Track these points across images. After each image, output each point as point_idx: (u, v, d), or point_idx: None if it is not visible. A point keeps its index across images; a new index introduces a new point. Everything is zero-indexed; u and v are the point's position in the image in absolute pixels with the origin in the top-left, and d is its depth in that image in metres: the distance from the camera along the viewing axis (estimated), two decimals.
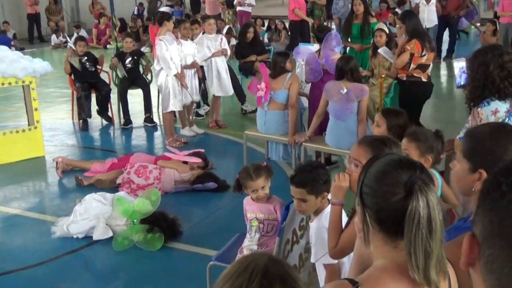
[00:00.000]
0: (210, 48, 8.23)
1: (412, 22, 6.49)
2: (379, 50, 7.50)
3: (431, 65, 6.61)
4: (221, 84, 8.32)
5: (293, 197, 3.13)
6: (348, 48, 9.18)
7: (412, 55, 6.34)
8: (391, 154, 1.65)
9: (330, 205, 2.80)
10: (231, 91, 8.53)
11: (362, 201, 1.58)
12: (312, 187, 3.02)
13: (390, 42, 7.68)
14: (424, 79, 6.52)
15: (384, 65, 7.53)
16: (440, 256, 1.47)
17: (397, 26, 9.70)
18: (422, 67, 6.47)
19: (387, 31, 7.71)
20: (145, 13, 18.93)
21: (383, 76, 7.30)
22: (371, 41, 7.96)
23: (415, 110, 6.56)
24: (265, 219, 3.82)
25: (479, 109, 3.52)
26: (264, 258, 1.38)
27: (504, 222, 0.89)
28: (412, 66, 6.42)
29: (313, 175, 3.06)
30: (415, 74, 6.47)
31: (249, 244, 3.85)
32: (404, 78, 6.57)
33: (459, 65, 5.23)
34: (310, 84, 6.87)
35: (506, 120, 3.44)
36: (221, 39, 8.43)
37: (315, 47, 7.54)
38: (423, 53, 6.34)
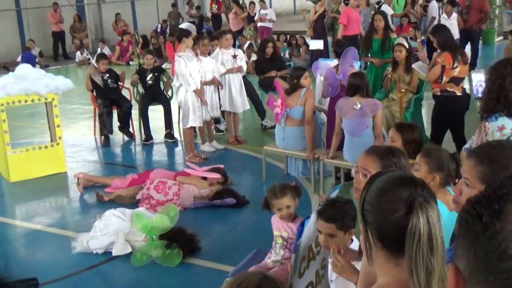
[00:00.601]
0: (225, 63, 8.24)
1: (443, 35, 6.40)
2: (414, 66, 7.47)
3: (465, 79, 6.45)
4: (231, 100, 8.30)
5: (320, 232, 3.11)
6: (368, 63, 9.17)
7: (443, 67, 6.24)
8: (392, 171, 1.64)
9: (353, 242, 2.82)
10: (241, 109, 8.47)
11: (364, 219, 1.57)
12: (342, 223, 3.01)
13: (410, 57, 7.64)
14: (458, 93, 6.33)
15: (404, 80, 7.49)
16: (443, 273, 1.45)
17: (417, 40, 9.70)
18: (456, 81, 6.29)
19: (406, 45, 7.67)
20: (168, 30, 19.11)
21: (402, 90, 7.25)
22: (391, 56, 7.92)
23: (454, 125, 6.49)
24: (289, 237, 3.86)
25: (486, 123, 3.45)
26: (257, 276, 1.38)
27: (489, 256, 0.86)
28: (445, 79, 6.26)
29: (343, 211, 3.05)
30: (448, 89, 6.30)
31: (275, 258, 3.91)
32: (438, 93, 6.45)
33: (477, 77, 5.16)
34: (329, 99, 6.86)
35: (488, 142, 3.30)
36: (234, 55, 8.36)
37: (334, 62, 7.54)
38: (455, 65, 6.19)
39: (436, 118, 6.57)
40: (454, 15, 11.93)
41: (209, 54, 8.22)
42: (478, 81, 5.04)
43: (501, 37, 17.00)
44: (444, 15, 11.99)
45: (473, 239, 0.89)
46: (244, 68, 8.52)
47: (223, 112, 8.88)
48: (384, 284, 1.54)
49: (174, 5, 20.77)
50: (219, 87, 8.16)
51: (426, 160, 3.21)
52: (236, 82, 8.34)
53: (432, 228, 1.43)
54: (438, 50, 6.46)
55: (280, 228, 3.89)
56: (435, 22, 13.83)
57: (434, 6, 14.05)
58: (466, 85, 7.08)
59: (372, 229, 1.54)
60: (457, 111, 6.44)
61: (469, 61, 6.39)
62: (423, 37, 11.97)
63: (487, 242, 0.86)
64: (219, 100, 8.28)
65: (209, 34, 11.99)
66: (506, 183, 0.92)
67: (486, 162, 1.98)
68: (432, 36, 6.56)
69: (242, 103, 8.43)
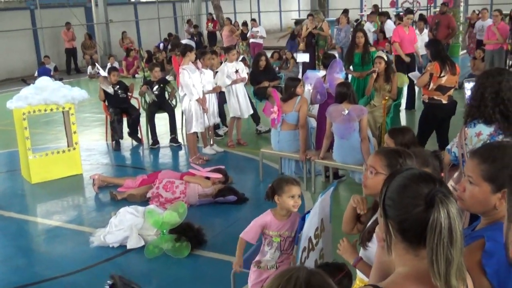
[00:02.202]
0: (230, 76, 8.19)
1: (435, 47, 6.40)
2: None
3: (452, 89, 6.40)
4: (238, 107, 8.30)
5: None
6: (350, 75, 9.15)
7: (431, 75, 6.23)
8: (411, 169, 1.59)
9: None
10: (246, 114, 8.47)
11: (385, 213, 1.52)
12: None
13: (389, 68, 7.63)
14: (444, 101, 6.29)
15: (385, 88, 7.47)
16: (460, 264, 1.41)
17: (393, 54, 9.71)
18: (442, 89, 6.24)
19: (385, 58, 7.66)
20: (169, 46, 19.02)
21: (386, 98, 7.24)
22: (371, 68, 7.91)
23: (439, 129, 6.48)
24: (288, 236, 3.60)
25: (466, 128, 3.39)
26: (304, 271, 1.32)
27: None
28: (432, 86, 6.22)
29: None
30: (435, 97, 6.28)
31: (269, 260, 3.64)
32: (426, 100, 6.41)
33: (470, 85, 5.12)
34: (318, 106, 6.83)
35: (488, 142, 3.22)
36: (237, 70, 8.27)
37: (321, 73, 7.51)
38: (442, 74, 6.17)
39: (422, 122, 6.57)
40: (425, 31, 11.96)
41: (211, 68, 8.19)
42: (469, 89, 4.99)
43: (465, 51, 17.11)
44: (417, 31, 12.01)
45: None
46: (246, 77, 8.48)
47: (221, 119, 8.86)
48: (404, 273, 1.50)
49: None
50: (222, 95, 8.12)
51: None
52: (240, 90, 8.31)
53: (452, 222, 1.39)
54: (431, 61, 6.45)
55: (280, 228, 3.61)
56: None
57: (389, 27, 13.89)
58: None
59: (393, 222, 1.50)
60: (441, 117, 6.42)
61: (457, 73, 6.34)
62: None
63: None
64: (218, 108, 8.24)
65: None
66: None
67: (489, 161, 1.93)
68: (427, 48, 6.57)
69: (246, 109, 8.41)
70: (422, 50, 11.07)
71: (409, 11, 11.18)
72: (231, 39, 16.86)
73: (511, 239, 0.88)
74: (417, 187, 1.47)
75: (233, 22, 18.67)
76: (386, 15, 14.79)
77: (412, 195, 1.46)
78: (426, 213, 1.42)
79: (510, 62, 12.05)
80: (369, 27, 13.90)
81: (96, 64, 16.70)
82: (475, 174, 1.94)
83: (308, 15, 14.40)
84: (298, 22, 20.36)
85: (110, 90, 8.62)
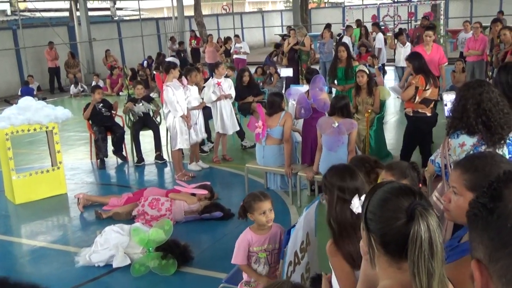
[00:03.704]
0: (216, 92, 8.21)
1: (418, 61, 6.49)
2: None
3: (434, 101, 6.50)
4: (223, 123, 8.31)
5: None
6: (333, 89, 9.23)
7: (417, 88, 6.31)
8: (392, 182, 1.61)
9: None
10: (231, 131, 8.47)
11: (367, 227, 1.54)
12: None
13: (371, 81, 7.71)
14: (428, 114, 6.41)
15: (367, 102, 7.55)
16: (442, 275, 1.42)
17: (375, 67, 9.81)
18: (426, 102, 6.35)
19: (367, 72, 7.74)
20: (153, 64, 19.04)
21: (369, 111, 7.31)
22: (354, 81, 7.98)
23: (423, 141, 6.55)
24: (273, 249, 3.60)
25: (449, 139, 3.42)
26: (288, 284, 1.33)
27: (502, 233, 0.88)
28: (418, 99, 6.31)
29: None
30: (419, 110, 6.37)
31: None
32: (411, 114, 6.50)
33: (448, 97, 5.18)
34: (302, 120, 6.87)
35: (471, 153, 3.25)
36: (218, 82, 8.27)
37: (304, 87, 7.57)
38: (427, 88, 6.28)
39: (408, 135, 6.63)
40: (408, 44, 12.15)
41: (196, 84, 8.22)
42: (449, 101, 5.05)
43: (446, 63, 17.31)
44: (400, 44, 12.18)
45: (484, 225, 0.92)
46: (233, 95, 8.47)
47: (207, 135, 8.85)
48: (388, 286, 1.51)
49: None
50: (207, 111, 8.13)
51: (391, 173, 3.23)
52: (227, 107, 8.32)
53: (432, 235, 1.40)
54: (413, 74, 6.52)
55: (262, 242, 3.61)
56: (382, 52, 14.12)
57: (380, 38, 14.29)
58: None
59: (375, 236, 1.51)
60: (426, 129, 6.50)
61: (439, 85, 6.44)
62: (380, 64, 12.14)
63: (496, 222, 0.89)
64: (204, 124, 8.25)
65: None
66: (495, 180, 0.97)
67: (472, 171, 1.97)
68: (408, 62, 6.63)
69: (232, 125, 8.42)
70: (404, 63, 11.26)
71: (428, 27, 9.96)
72: (213, 56, 16.92)
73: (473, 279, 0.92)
74: (397, 201, 1.48)
75: (216, 38, 18.77)
76: (378, 25, 15.02)
77: (392, 208, 1.48)
78: (407, 226, 1.43)
79: (490, 73, 12.24)
80: (347, 41, 14.10)
81: (81, 85, 16.74)
82: (459, 185, 1.97)
83: (290, 30, 14.55)
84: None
85: (96, 107, 8.59)
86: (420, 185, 3.41)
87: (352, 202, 2.57)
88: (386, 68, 14.79)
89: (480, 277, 0.92)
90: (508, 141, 3.28)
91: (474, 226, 0.94)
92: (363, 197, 1.83)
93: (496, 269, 0.88)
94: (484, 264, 0.91)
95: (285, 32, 18.57)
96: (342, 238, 2.68)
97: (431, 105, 6.40)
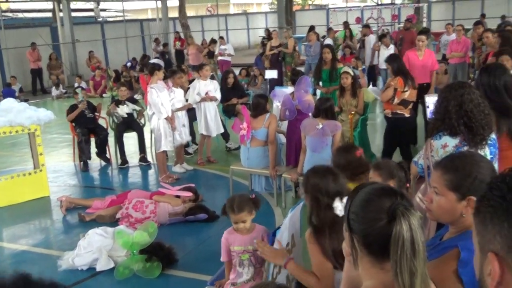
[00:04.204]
0: (201, 93, 8.17)
1: (397, 63, 6.55)
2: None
3: (412, 103, 6.55)
4: (206, 125, 8.27)
5: None
6: (318, 90, 9.26)
7: (395, 90, 6.36)
8: (374, 183, 1.62)
9: None
10: (215, 133, 8.42)
11: (349, 227, 1.54)
12: None
13: (355, 83, 7.74)
14: (406, 115, 6.48)
15: (351, 103, 7.58)
16: (424, 274, 1.43)
17: (359, 69, 9.87)
18: (405, 103, 6.41)
19: (352, 73, 7.77)
20: (137, 66, 18.94)
21: (353, 113, 7.34)
22: (339, 83, 8.01)
23: (403, 142, 6.60)
24: (256, 249, 3.54)
25: (432, 140, 3.43)
26: (272, 286, 1.33)
27: None
28: (396, 100, 6.37)
29: None
30: (398, 111, 6.43)
31: (246, 277, 3.62)
32: (390, 115, 6.55)
33: (431, 100, 5.21)
34: (287, 122, 6.88)
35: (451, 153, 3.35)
36: (207, 89, 8.22)
37: (289, 89, 7.58)
38: (405, 89, 6.34)
39: (387, 136, 6.69)
40: (391, 46, 12.24)
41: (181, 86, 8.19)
42: (431, 103, 5.07)
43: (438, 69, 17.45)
44: (384, 46, 12.27)
45: (503, 215, 0.92)
46: (218, 97, 8.42)
47: (191, 137, 8.83)
48: (370, 286, 1.52)
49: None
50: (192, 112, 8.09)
51: (378, 173, 3.26)
52: (211, 109, 8.28)
53: (414, 234, 1.41)
54: (392, 76, 6.58)
55: (244, 242, 3.61)
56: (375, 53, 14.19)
57: (371, 40, 14.35)
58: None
59: (358, 237, 1.51)
60: (405, 130, 6.56)
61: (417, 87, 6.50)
62: (364, 66, 12.21)
63: None
64: (189, 126, 8.22)
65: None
66: (508, 174, 0.97)
67: (452, 171, 1.99)
68: (388, 63, 6.68)
69: (216, 127, 8.39)
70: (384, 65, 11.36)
71: (422, 31, 9.38)
72: (197, 57, 16.88)
73: (488, 273, 0.91)
74: (379, 201, 1.49)
75: (201, 40, 18.71)
76: (369, 27, 15.09)
77: (374, 209, 1.48)
78: (389, 226, 1.44)
79: (472, 75, 12.37)
80: (329, 43, 14.18)
81: (62, 87, 16.62)
82: (440, 185, 1.99)
83: (269, 33, 14.59)
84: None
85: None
86: (408, 185, 3.44)
87: (334, 205, 2.61)
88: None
89: (499, 269, 0.92)
90: (489, 141, 3.31)
91: (489, 218, 0.94)
92: (345, 199, 1.86)
93: None
94: (501, 256, 0.92)
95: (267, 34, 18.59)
96: (320, 234, 2.83)
97: (410, 106, 6.49)
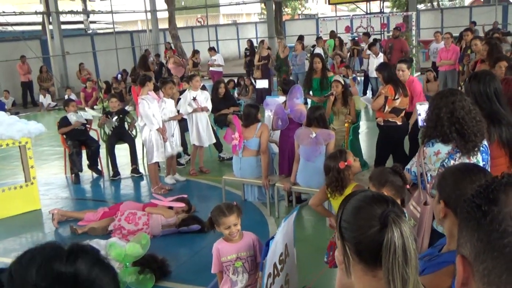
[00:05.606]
0: (191, 104, 8.16)
1: (387, 71, 6.55)
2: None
3: (404, 110, 6.56)
4: (198, 135, 8.25)
5: None
6: (309, 99, 9.29)
7: (386, 98, 6.37)
8: (365, 191, 1.61)
9: None
10: (207, 143, 8.39)
11: (341, 235, 1.54)
12: None
13: (346, 91, 7.77)
14: (399, 123, 6.47)
15: (343, 112, 7.60)
16: (416, 282, 1.42)
17: (349, 77, 9.92)
18: (396, 111, 6.41)
19: (342, 82, 7.81)
20: (128, 77, 18.90)
21: (348, 121, 7.36)
22: (329, 92, 8.02)
23: (396, 150, 6.60)
24: (248, 256, 3.64)
25: (424, 148, 3.45)
26: None
27: (492, 236, 0.88)
28: (387, 108, 6.37)
29: None
30: (390, 119, 6.43)
31: (241, 285, 3.63)
32: (382, 123, 6.56)
33: (422, 108, 5.22)
34: (279, 131, 6.89)
35: (446, 161, 3.33)
36: (194, 98, 8.15)
37: (280, 99, 7.59)
38: (396, 97, 6.34)
39: (380, 144, 6.69)
40: (381, 54, 12.31)
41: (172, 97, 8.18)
42: (423, 111, 5.08)
43: (419, 73, 17.60)
44: (373, 55, 12.34)
45: (475, 226, 0.92)
46: (209, 107, 8.40)
47: (183, 147, 8.81)
48: None
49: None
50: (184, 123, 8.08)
51: (372, 183, 3.27)
52: (203, 119, 8.25)
53: (405, 241, 1.40)
54: (383, 84, 6.59)
55: (235, 250, 3.62)
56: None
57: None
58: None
59: (349, 244, 1.51)
60: (398, 138, 6.56)
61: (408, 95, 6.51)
62: (354, 75, 12.28)
63: (488, 225, 0.89)
64: (180, 137, 8.20)
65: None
66: (493, 183, 0.96)
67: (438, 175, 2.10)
68: (378, 72, 6.69)
69: (208, 138, 8.36)
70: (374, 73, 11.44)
71: (401, 60, 7.23)
72: (178, 70, 16.83)
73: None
74: (370, 208, 1.49)
75: (191, 50, 18.71)
76: (368, 35, 15.18)
77: (366, 216, 1.48)
78: (380, 233, 1.43)
79: (462, 82, 12.46)
80: (319, 52, 14.26)
81: (51, 100, 16.56)
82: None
83: (260, 41, 14.65)
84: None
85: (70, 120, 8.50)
86: (408, 186, 3.44)
87: None
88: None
89: (463, 272, 0.93)
90: (482, 148, 3.33)
91: (465, 224, 0.94)
92: None
93: (480, 270, 0.89)
94: (469, 261, 0.92)
95: (256, 44, 18.59)
96: None
97: (402, 114, 6.49)
